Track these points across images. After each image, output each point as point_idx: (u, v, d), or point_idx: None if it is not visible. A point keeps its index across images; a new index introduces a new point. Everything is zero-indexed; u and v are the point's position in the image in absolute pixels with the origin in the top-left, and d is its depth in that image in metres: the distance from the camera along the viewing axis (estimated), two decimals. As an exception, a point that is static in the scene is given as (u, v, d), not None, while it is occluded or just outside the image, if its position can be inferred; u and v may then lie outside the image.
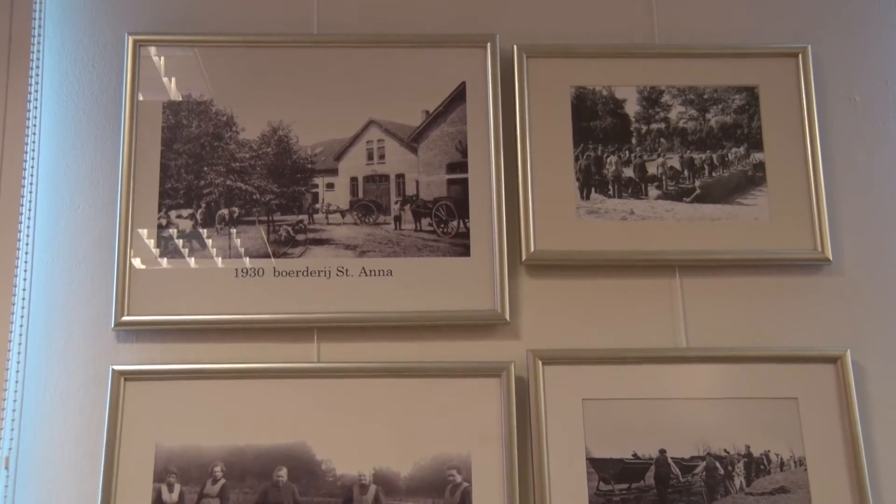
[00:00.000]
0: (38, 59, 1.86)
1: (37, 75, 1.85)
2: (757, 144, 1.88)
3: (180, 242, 1.79)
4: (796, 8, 1.99)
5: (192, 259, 1.79)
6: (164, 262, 1.78)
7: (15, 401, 1.72)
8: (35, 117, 1.84)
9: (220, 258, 1.79)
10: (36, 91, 1.84)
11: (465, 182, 1.84)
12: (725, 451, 1.72)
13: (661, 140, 1.89)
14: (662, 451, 1.71)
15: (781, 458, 1.72)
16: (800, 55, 1.91)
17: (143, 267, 1.77)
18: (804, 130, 1.88)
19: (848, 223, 1.87)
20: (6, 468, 1.69)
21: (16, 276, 1.75)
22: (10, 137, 1.81)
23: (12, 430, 1.70)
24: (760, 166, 1.87)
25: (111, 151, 1.84)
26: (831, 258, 1.82)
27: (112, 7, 1.93)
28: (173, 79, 1.87)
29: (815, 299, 1.84)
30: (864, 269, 1.86)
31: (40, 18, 1.87)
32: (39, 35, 1.87)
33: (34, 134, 1.83)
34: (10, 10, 1.86)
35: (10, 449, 1.70)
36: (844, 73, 1.95)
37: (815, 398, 1.75)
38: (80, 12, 1.92)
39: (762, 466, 1.71)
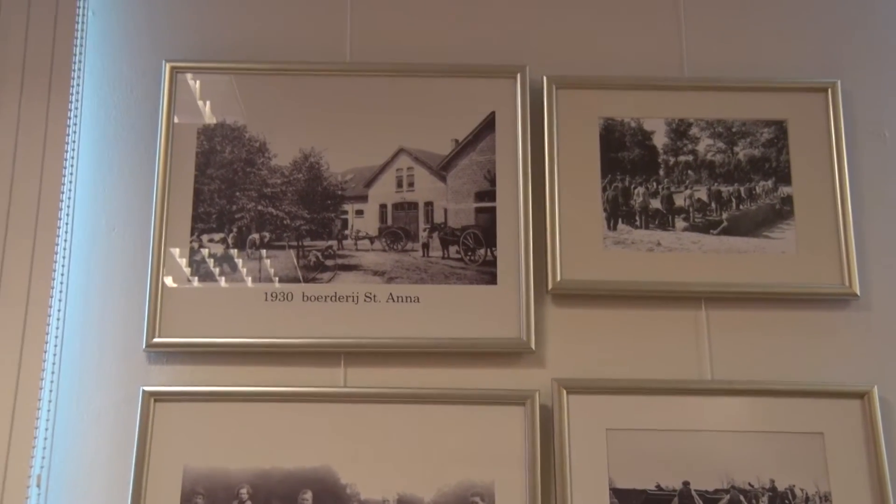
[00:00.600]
0: (78, 83, 1.88)
1: (76, 100, 1.87)
2: (785, 178, 1.88)
3: (212, 265, 1.81)
4: (826, 42, 1.99)
5: (224, 282, 1.81)
6: (196, 284, 1.80)
7: (48, 420, 1.73)
8: (74, 141, 1.86)
9: (250, 282, 1.81)
10: (75, 115, 1.87)
11: (493, 211, 1.85)
12: (750, 484, 1.71)
13: (689, 172, 1.89)
14: (686, 483, 1.71)
15: (806, 493, 1.70)
16: (829, 90, 1.91)
17: (176, 289, 1.79)
18: (833, 165, 1.88)
19: (876, 258, 1.87)
20: (38, 486, 1.70)
21: (51, 297, 1.77)
22: (49, 160, 1.83)
23: (44, 448, 1.71)
24: (788, 200, 1.87)
25: (146, 175, 1.86)
26: (859, 293, 1.82)
27: (151, 35, 1.96)
28: (209, 105, 1.89)
29: (842, 334, 1.83)
30: (893, 304, 1.85)
31: (81, 45, 1.90)
32: (80, 61, 1.89)
33: (72, 157, 1.85)
34: (53, 35, 1.88)
35: (42, 467, 1.71)
36: (874, 109, 1.95)
37: (841, 434, 1.74)
38: (120, 39, 1.95)
39: (787, 501, 1.70)
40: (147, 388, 1.74)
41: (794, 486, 1.71)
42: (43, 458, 1.71)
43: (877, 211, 1.89)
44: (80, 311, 1.82)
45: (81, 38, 1.91)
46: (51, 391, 1.75)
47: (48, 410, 1.74)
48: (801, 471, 1.72)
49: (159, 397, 1.74)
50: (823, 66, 1.96)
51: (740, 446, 1.73)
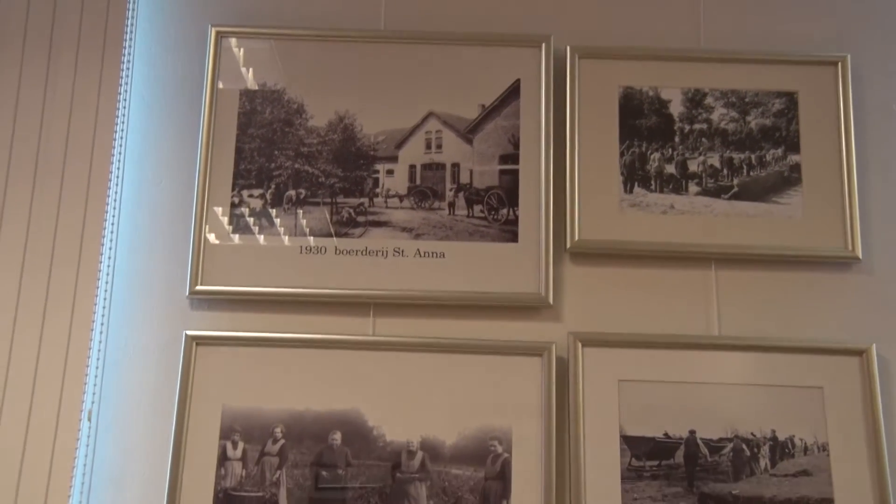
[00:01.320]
0: (129, 46, 1.92)
1: (128, 62, 1.91)
2: (794, 147, 1.90)
3: (251, 220, 1.85)
4: (837, 17, 2.00)
5: (262, 236, 1.85)
6: (236, 237, 1.84)
7: (98, 359, 1.79)
8: (125, 100, 1.90)
9: (286, 236, 1.85)
10: (127, 76, 1.91)
11: (516, 173, 1.88)
12: (752, 434, 1.75)
13: (703, 140, 1.92)
14: (692, 432, 1.74)
15: (805, 443, 1.74)
16: (839, 63, 1.92)
17: (217, 241, 1.84)
18: (840, 136, 1.89)
19: (878, 224, 1.89)
20: (89, 420, 1.76)
21: (103, 244, 1.83)
22: (103, 117, 1.88)
23: (95, 385, 1.78)
24: (796, 168, 1.89)
25: (191, 133, 1.90)
26: (861, 257, 1.84)
27: (198, 1, 1.99)
28: (251, 69, 1.93)
29: (843, 295, 1.85)
30: (893, 268, 1.87)
31: (133, 9, 1.94)
32: (132, 25, 1.93)
33: (124, 115, 1.90)
34: (108, 2, 1.93)
35: (92, 403, 1.77)
36: (882, 83, 1.96)
37: (840, 388, 1.77)
38: (169, 5, 1.98)
39: (787, 450, 1.74)
40: (189, 333, 1.79)
41: (793, 436, 1.74)
42: (94, 394, 1.77)
43: (880, 180, 1.91)
44: (128, 258, 1.86)
45: (134, 2, 1.94)
46: (101, 333, 1.80)
47: (99, 350, 1.80)
48: (800, 422, 1.75)
49: (201, 341, 1.79)
50: (834, 40, 1.98)
51: (744, 398, 1.77)
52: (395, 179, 1.90)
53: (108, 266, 1.84)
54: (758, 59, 1.94)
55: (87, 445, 1.76)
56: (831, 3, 2.01)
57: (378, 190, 1.89)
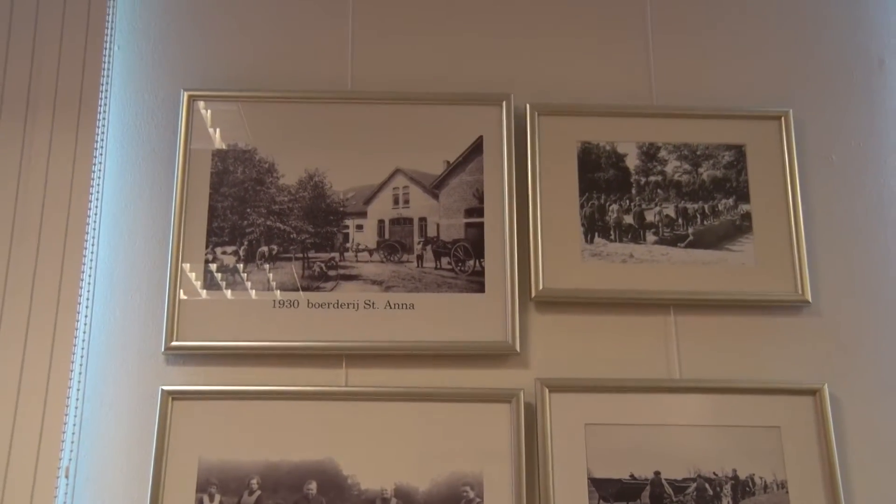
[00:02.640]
0: (104, 110, 1.93)
1: (103, 125, 1.92)
2: (744, 197, 1.93)
3: (225, 276, 1.85)
4: (780, 75, 2.04)
5: (235, 291, 1.84)
6: (210, 293, 1.84)
7: (75, 416, 1.77)
8: (101, 163, 1.91)
9: (259, 290, 1.84)
10: (102, 139, 1.92)
11: (481, 226, 1.89)
12: (714, 473, 1.76)
13: (659, 191, 1.94)
14: (657, 473, 1.75)
15: (765, 481, 1.75)
16: (783, 118, 1.96)
17: (191, 297, 1.83)
18: (787, 185, 1.93)
19: (826, 269, 1.92)
20: (66, 477, 1.73)
21: (79, 304, 1.81)
22: (78, 179, 1.88)
23: (72, 442, 1.75)
24: (747, 216, 1.92)
25: (166, 194, 1.91)
26: (811, 300, 1.87)
27: (170, 66, 2.00)
28: (223, 130, 1.93)
29: (796, 337, 1.88)
30: (841, 310, 1.90)
31: (108, 75, 1.95)
32: (106, 90, 1.94)
33: (99, 177, 1.90)
34: (83, 67, 1.93)
35: (70, 459, 1.75)
36: (823, 135, 2.00)
37: (795, 427, 1.79)
38: (141, 70, 2.00)
39: (747, 488, 1.75)
40: (165, 388, 1.78)
41: (754, 474, 1.76)
42: (71, 451, 1.75)
43: (826, 227, 1.95)
44: (104, 316, 1.85)
45: (108, 70, 1.95)
46: (78, 390, 1.79)
47: (76, 408, 1.78)
48: (760, 461, 1.76)
49: (177, 396, 1.77)
50: (777, 95, 2.02)
51: (706, 439, 1.78)
52: (364, 234, 1.90)
53: (85, 323, 1.83)
54: (707, 114, 1.98)
55: (65, 503, 1.74)
56: (773, 60, 2.06)
57: (348, 244, 1.90)
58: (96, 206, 1.89)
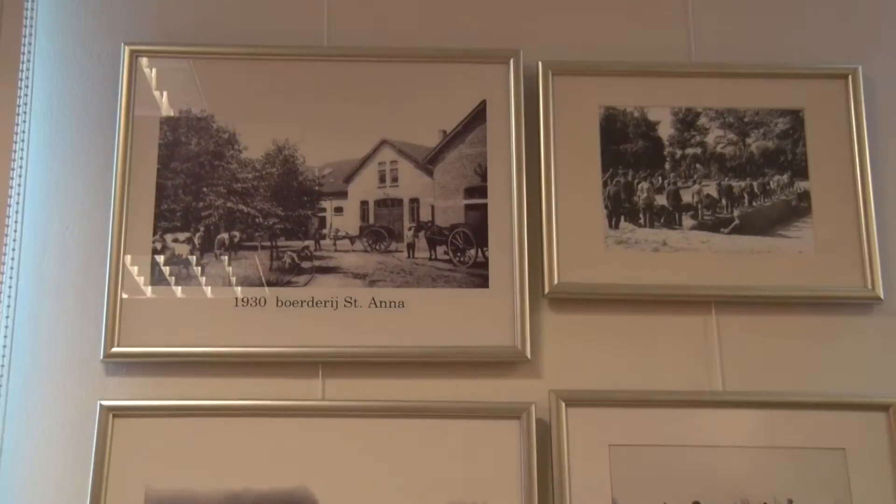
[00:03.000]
0: (27, 68, 1.91)
1: (26, 86, 1.91)
2: (801, 172, 1.93)
3: (176, 269, 1.84)
4: (846, 25, 2.04)
5: (189, 287, 1.84)
6: (159, 289, 1.83)
7: None
8: (23, 132, 1.89)
9: (217, 286, 1.84)
10: (25, 104, 1.90)
11: (484, 208, 1.89)
12: None
13: (697, 166, 1.94)
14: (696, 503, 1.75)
15: None
16: (850, 76, 1.96)
17: (136, 295, 1.82)
18: (853, 158, 1.92)
19: None
20: None
21: None
22: None
23: None
24: (805, 196, 1.92)
25: (104, 169, 1.89)
26: (882, 296, 1.86)
27: (108, 15, 1.99)
28: (172, 92, 1.93)
29: (864, 341, 1.87)
30: None
31: (31, 26, 1.93)
32: (30, 43, 1.92)
33: (22, 150, 1.88)
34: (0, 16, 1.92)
35: None
36: None
37: (864, 449, 1.78)
38: (73, 19, 1.98)
39: None
40: (105, 403, 1.76)
41: None
42: None
43: None
44: (30, 318, 1.84)
45: (31, 18, 1.93)
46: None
47: None
48: (821, 489, 1.75)
49: (118, 412, 1.76)
50: (843, 50, 2.01)
51: (755, 463, 1.76)
52: (344, 218, 1.90)
53: (6, 326, 1.81)
54: (757, 73, 1.97)
55: (-16, 541, 1.72)
56: (838, 8, 2.06)
57: (325, 231, 1.89)
58: (19, 186, 1.87)
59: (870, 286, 1.86)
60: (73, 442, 1.78)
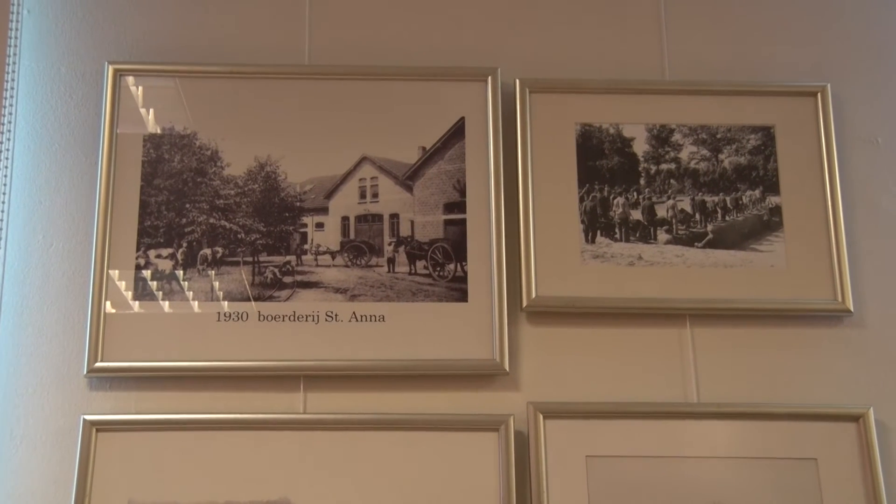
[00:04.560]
0: (12, 87, 1.91)
1: (10, 105, 1.90)
2: (773, 187, 1.94)
3: (159, 284, 1.83)
4: (815, 44, 2.04)
5: (172, 302, 1.83)
6: (142, 304, 1.82)
7: None
8: (7, 149, 1.88)
9: (201, 301, 1.83)
10: (9, 122, 1.89)
11: (463, 223, 1.89)
12: None
13: (672, 181, 1.94)
14: None
15: None
16: (819, 94, 1.96)
17: (119, 310, 1.81)
18: (823, 173, 1.92)
19: (870, 271, 1.91)
20: None
21: None
22: None
23: None
24: (777, 210, 1.92)
25: (88, 186, 1.89)
26: (852, 309, 1.86)
27: (92, 33, 1.98)
28: (155, 110, 1.92)
29: (835, 353, 1.87)
30: (888, 320, 1.90)
31: (15, 45, 1.93)
32: (14, 63, 1.92)
33: (6, 167, 1.88)
34: None
35: None
36: (866, 113, 2.00)
37: (835, 459, 1.78)
38: (57, 38, 1.98)
39: None
40: (88, 417, 1.75)
41: None
42: None
43: (870, 221, 1.95)
44: (13, 332, 1.83)
45: (15, 37, 1.93)
46: None
47: None
48: (793, 499, 1.75)
49: (102, 427, 1.75)
50: (812, 69, 2.02)
51: (729, 473, 1.77)
52: (325, 234, 1.90)
53: None
54: (729, 90, 1.98)
55: (-34, 556, 1.71)
56: (807, 28, 2.06)
57: (306, 246, 1.89)
58: (3, 202, 1.87)
59: (840, 299, 1.87)
60: (57, 456, 1.77)
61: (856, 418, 1.81)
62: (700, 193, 1.95)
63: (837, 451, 1.79)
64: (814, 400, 1.85)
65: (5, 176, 1.88)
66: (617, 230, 1.91)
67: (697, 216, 1.93)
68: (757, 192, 1.95)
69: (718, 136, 1.97)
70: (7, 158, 1.89)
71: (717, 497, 1.76)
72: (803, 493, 1.77)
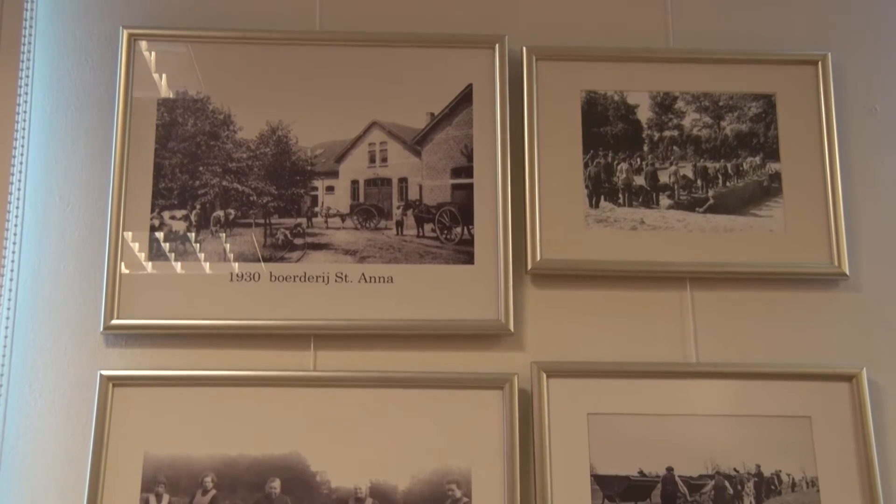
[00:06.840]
0: (28, 51, 1.92)
1: (27, 68, 1.91)
2: (773, 154, 1.96)
3: (173, 245, 1.86)
4: (816, 13, 2.06)
5: (185, 262, 1.85)
6: (157, 264, 1.85)
7: (1, 406, 1.77)
8: (25, 112, 1.89)
9: (214, 261, 1.86)
10: (26, 85, 1.90)
11: (469, 187, 1.91)
12: (735, 469, 1.78)
13: (674, 148, 1.96)
14: (670, 469, 1.77)
15: (793, 479, 1.78)
16: (819, 62, 1.98)
17: (135, 269, 1.84)
18: (822, 140, 1.94)
19: (866, 237, 1.94)
20: None
21: (2, 276, 1.81)
22: None
23: None
24: (776, 177, 1.94)
25: (104, 149, 1.90)
26: (848, 273, 1.89)
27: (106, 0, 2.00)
28: (170, 75, 1.94)
29: (830, 315, 1.90)
30: (882, 284, 1.92)
31: (32, 9, 1.94)
32: (31, 27, 1.93)
33: (23, 129, 1.89)
34: (1, 1, 1.91)
35: None
36: (866, 82, 2.02)
37: (828, 417, 1.81)
38: (72, 3, 1.99)
39: (773, 486, 1.77)
40: (105, 373, 1.78)
41: (780, 471, 1.78)
42: None
43: (867, 188, 1.96)
44: (32, 291, 1.85)
45: (32, 2, 1.94)
46: (2, 375, 1.78)
47: (1, 396, 1.77)
48: (787, 455, 1.79)
49: (118, 382, 1.78)
50: (813, 37, 2.03)
51: (725, 431, 1.80)
52: (335, 197, 1.92)
53: (10, 300, 1.82)
54: (732, 58, 2.00)
55: (-10, 504, 1.73)
56: None
57: (317, 209, 1.91)
58: (21, 164, 1.88)
59: (836, 263, 1.89)
60: (75, 409, 1.80)
61: (849, 378, 1.84)
62: (702, 160, 1.96)
63: (831, 410, 1.83)
64: (809, 360, 1.88)
65: (23, 137, 1.90)
66: (620, 195, 1.93)
67: (699, 182, 1.95)
68: (757, 159, 1.96)
69: (720, 103, 1.98)
70: (24, 120, 1.90)
71: (713, 454, 1.79)
72: (797, 450, 1.80)
